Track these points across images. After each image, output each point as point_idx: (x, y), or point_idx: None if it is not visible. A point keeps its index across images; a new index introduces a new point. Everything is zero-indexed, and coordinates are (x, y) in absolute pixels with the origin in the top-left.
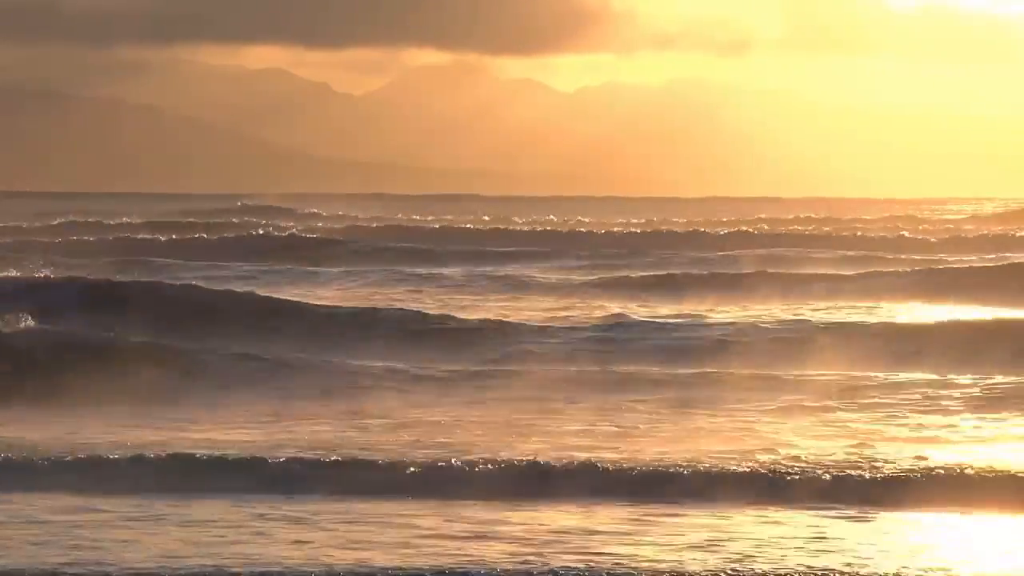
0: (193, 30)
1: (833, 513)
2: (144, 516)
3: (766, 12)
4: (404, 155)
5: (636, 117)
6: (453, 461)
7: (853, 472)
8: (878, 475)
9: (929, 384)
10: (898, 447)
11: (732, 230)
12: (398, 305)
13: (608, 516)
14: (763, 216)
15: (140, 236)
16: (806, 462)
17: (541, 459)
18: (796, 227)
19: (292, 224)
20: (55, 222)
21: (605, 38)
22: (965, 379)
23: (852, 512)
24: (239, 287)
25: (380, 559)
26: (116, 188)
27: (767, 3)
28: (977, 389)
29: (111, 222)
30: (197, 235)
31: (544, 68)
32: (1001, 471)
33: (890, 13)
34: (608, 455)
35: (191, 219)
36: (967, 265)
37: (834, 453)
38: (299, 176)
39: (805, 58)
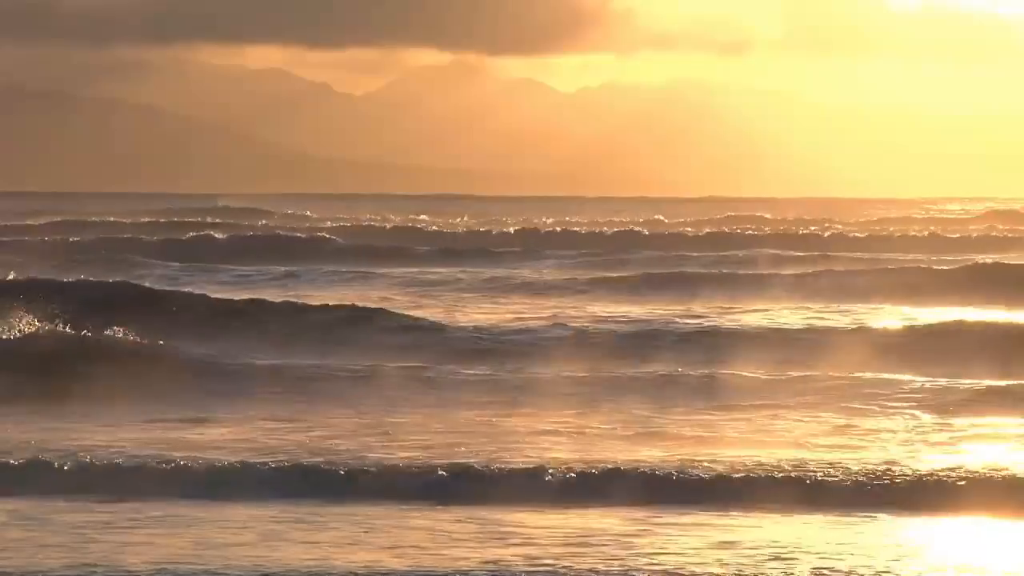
0: (193, 30)
1: (854, 516)
2: (148, 519)
3: (766, 12)
4: (404, 155)
5: (636, 117)
6: (475, 465)
7: (870, 476)
8: (897, 479)
9: (903, 385)
10: (903, 450)
11: (701, 232)
12: (374, 305)
13: (623, 519)
14: (733, 215)
15: (105, 236)
16: (816, 466)
17: (550, 463)
18: (781, 228)
19: (264, 223)
20: (36, 222)
21: (605, 38)
22: (930, 380)
23: (873, 515)
24: (205, 286)
25: (395, 562)
26: (116, 188)
27: (767, 3)
28: (943, 390)
29: (96, 220)
30: (168, 235)
31: (544, 68)
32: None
33: (890, 13)
34: (601, 456)
35: (163, 219)
36: (921, 266)
37: (834, 456)
38: (299, 176)
39: (805, 58)
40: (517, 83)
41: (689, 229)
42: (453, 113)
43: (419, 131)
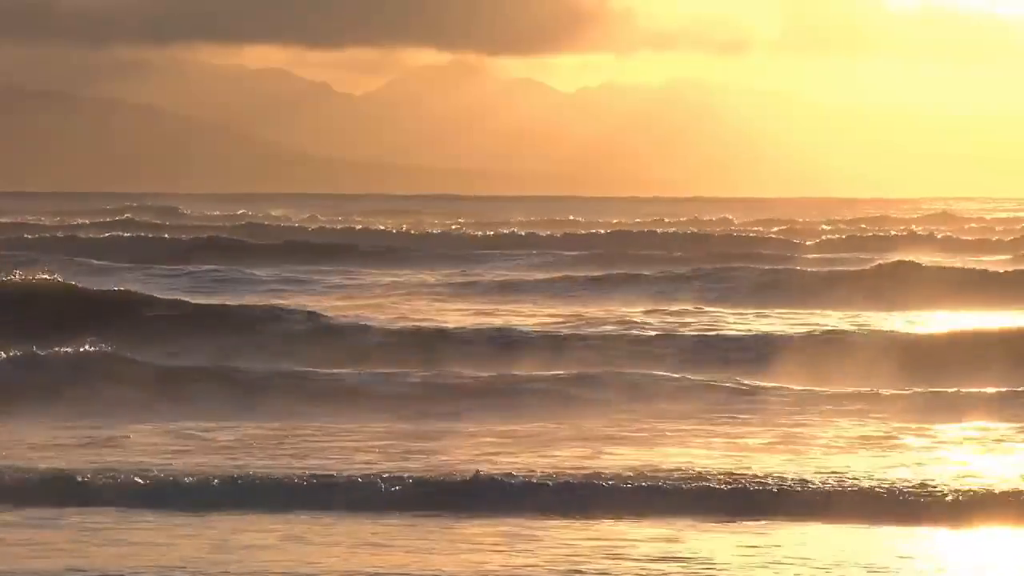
0: (192, 30)
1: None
2: (161, 527)
3: (765, 12)
4: (404, 155)
5: (636, 117)
6: (496, 475)
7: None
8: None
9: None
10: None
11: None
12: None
13: (651, 526)
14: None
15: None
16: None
17: (570, 471)
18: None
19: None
20: None
21: (604, 38)
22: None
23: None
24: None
25: (417, 566)
26: (116, 188)
27: (766, 3)
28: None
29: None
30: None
31: (544, 68)
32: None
33: (889, 13)
34: (621, 463)
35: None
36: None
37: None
38: (299, 176)
39: (804, 58)
40: (517, 83)
41: (643, 227)
42: (453, 113)
43: (419, 131)
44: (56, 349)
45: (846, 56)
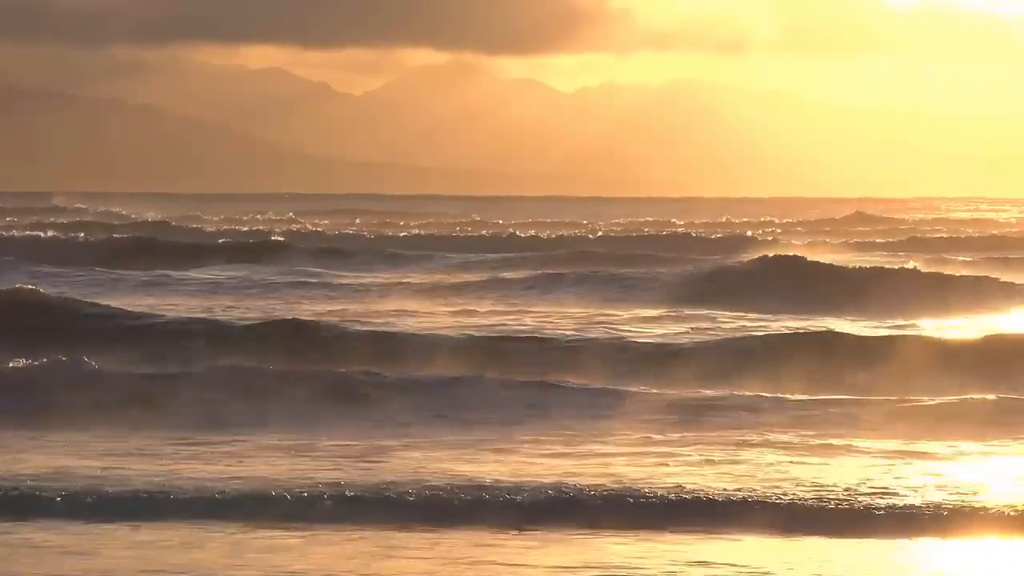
0: (192, 30)
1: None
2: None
3: (765, 12)
4: (403, 155)
5: (635, 117)
6: (548, 492)
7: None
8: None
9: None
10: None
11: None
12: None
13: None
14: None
15: None
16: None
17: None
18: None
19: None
20: None
21: (604, 38)
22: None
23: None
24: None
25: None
26: (116, 188)
27: (766, 3)
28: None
29: None
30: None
31: (543, 68)
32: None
33: (888, 13)
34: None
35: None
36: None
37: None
38: (298, 176)
39: (804, 58)
40: (517, 83)
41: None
42: (453, 113)
43: (418, 131)
44: None
45: (846, 56)
